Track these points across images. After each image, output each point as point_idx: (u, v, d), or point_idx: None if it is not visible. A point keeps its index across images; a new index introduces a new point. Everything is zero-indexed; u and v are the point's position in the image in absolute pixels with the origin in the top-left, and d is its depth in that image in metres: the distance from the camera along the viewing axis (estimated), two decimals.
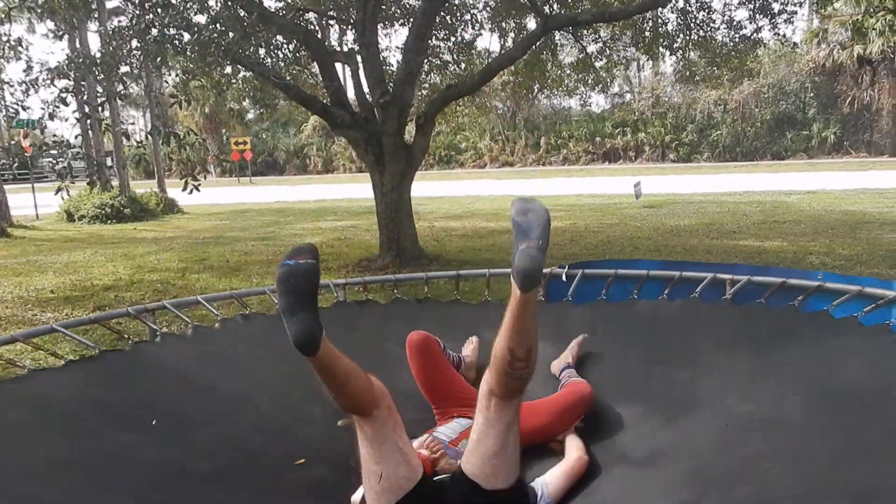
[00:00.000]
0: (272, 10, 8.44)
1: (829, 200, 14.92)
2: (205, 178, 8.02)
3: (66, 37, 9.18)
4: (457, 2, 9.87)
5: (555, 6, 9.60)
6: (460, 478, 2.19)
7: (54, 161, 7.25)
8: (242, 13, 7.22)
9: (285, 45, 8.52)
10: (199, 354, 3.45)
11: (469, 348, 3.61)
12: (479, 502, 2.15)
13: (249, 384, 3.25)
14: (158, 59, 6.71)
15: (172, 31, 6.77)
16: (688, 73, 11.53)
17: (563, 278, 4.42)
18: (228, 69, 8.23)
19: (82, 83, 7.02)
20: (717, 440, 2.56)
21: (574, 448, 2.68)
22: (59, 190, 7.09)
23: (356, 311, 4.07)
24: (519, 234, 2.01)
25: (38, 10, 7.50)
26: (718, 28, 9.93)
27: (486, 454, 2.15)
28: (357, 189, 21.43)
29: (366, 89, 8.59)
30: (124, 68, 7.15)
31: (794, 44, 25.29)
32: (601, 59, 11.36)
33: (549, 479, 2.47)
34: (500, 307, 4.07)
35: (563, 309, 3.92)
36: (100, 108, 7.32)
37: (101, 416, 2.71)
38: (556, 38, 10.78)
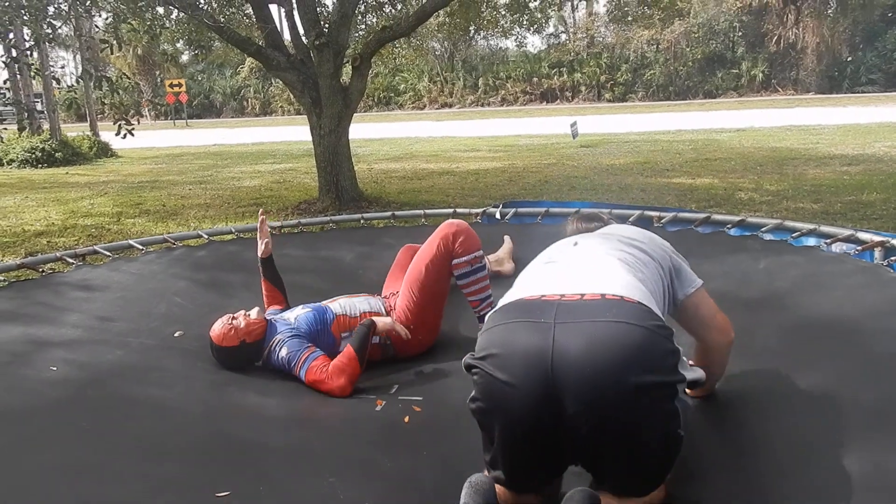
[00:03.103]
0: None
1: (757, 137, 15.40)
2: (139, 122, 7.92)
3: None
4: None
5: None
6: None
7: None
8: None
9: None
10: (110, 280, 3.56)
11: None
12: None
13: (157, 305, 3.38)
14: (88, 1, 6.58)
15: None
16: (620, 14, 11.73)
17: (497, 216, 4.70)
18: (161, 9, 8.10)
19: (10, 27, 6.84)
20: None
21: None
22: None
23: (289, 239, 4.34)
24: None
25: None
26: None
27: None
28: (296, 131, 21.22)
29: (301, 31, 8.57)
30: (51, 9, 6.99)
31: None
32: (535, 0, 11.45)
33: None
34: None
35: (499, 227, 4.21)
36: (29, 53, 7.13)
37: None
38: None
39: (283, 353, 2.76)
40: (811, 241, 3.59)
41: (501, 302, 1.83)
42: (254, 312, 2.89)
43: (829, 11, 31.37)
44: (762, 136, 15.53)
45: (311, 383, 2.66)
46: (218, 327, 2.79)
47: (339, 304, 3.01)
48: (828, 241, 3.45)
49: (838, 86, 31.65)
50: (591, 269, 1.82)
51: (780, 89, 32.20)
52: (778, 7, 30.74)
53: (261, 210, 3.41)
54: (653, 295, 1.79)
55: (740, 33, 32.63)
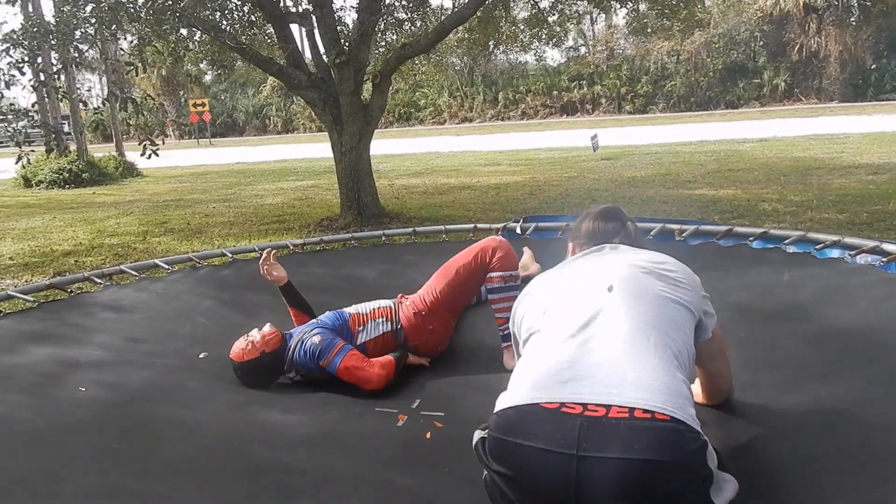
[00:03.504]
0: None
1: (780, 147, 15.24)
2: (163, 141, 8.03)
3: (19, 1, 8.99)
4: None
5: None
6: None
7: (14, 130, 7.23)
8: None
9: (239, 7, 8.54)
10: (137, 300, 3.64)
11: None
12: None
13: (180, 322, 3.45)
14: (114, 25, 6.70)
15: None
16: (640, 26, 11.70)
17: (518, 231, 4.70)
18: (184, 32, 8.22)
19: (38, 51, 6.99)
20: None
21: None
22: (19, 159, 7.10)
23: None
24: None
25: None
26: None
27: None
28: (317, 148, 21.38)
29: (321, 49, 8.66)
30: (78, 34, 7.12)
31: None
32: (554, 14, 11.46)
33: None
34: (456, 244, 4.42)
35: (520, 242, 4.20)
36: (56, 77, 7.28)
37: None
38: None
39: (316, 339, 2.84)
40: (835, 253, 3.56)
41: (517, 383, 1.73)
42: (266, 327, 2.97)
43: (852, 19, 31.11)
44: (785, 146, 15.38)
45: (347, 369, 2.76)
46: (236, 346, 2.88)
47: (353, 307, 3.15)
48: (852, 252, 3.42)
49: (862, 94, 31.30)
50: (619, 357, 1.68)
51: (802, 98, 31.92)
52: (799, 16, 30.52)
53: (263, 253, 3.37)
54: (684, 367, 1.70)
55: (761, 43, 32.43)
